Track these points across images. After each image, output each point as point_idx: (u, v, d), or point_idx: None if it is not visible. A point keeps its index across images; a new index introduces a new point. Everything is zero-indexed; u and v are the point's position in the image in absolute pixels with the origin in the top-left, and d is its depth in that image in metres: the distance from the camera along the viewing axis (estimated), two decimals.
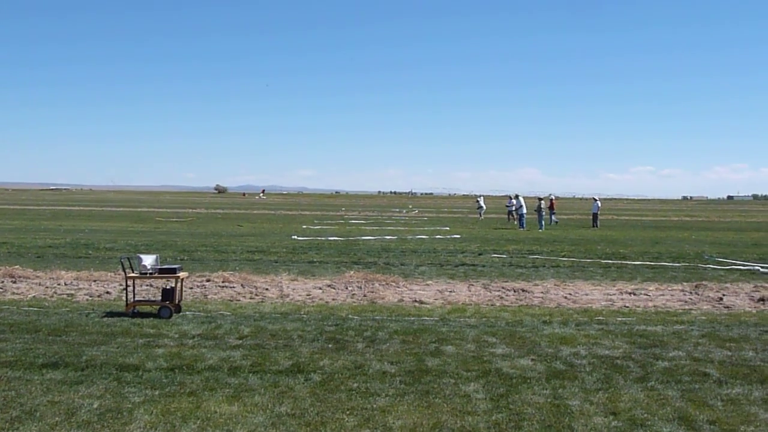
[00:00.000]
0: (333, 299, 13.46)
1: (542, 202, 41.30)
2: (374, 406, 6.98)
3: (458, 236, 32.37)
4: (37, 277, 15.41)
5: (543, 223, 39.75)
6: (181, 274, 12.03)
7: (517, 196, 42.22)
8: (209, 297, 13.51)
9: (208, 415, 6.63)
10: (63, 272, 16.13)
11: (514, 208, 45.92)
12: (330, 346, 9.53)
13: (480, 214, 50.27)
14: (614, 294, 14.37)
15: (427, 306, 12.87)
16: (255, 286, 14.52)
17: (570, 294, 14.28)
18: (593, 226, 42.54)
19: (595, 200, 45.73)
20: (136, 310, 11.66)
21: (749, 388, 7.77)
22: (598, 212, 44.39)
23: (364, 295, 13.76)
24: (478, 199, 54.43)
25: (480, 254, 22.90)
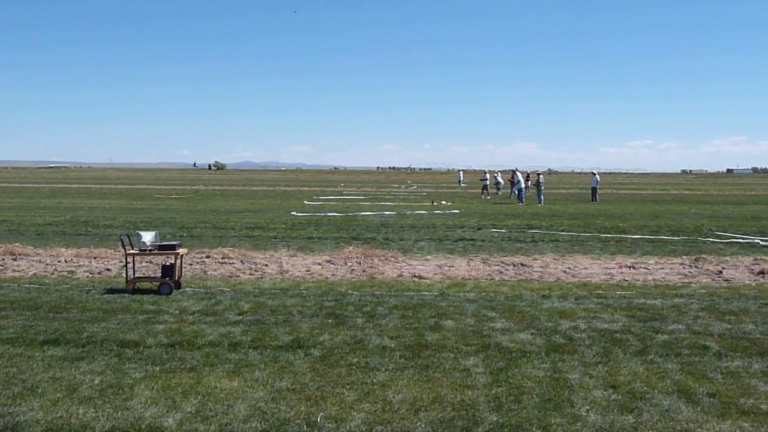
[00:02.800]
0: (332, 275, 13.47)
1: (541, 176, 41.32)
2: (374, 380, 7.00)
3: (457, 211, 32.35)
4: (38, 254, 15.42)
5: (542, 197, 39.76)
6: (181, 251, 12.03)
7: (515, 171, 42.31)
8: (209, 273, 13.52)
9: (209, 391, 6.66)
10: (63, 249, 16.14)
11: (488, 183, 50.07)
12: (329, 321, 9.55)
13: (486, 189, 50.35)
14: (613, 268, 14.38)
15: (427, 281, 12.88)
16: (254, 262, 14.52)
17: (569, 268, 14.29)
18: (592, 200, 42.64)
19: (594, 174, 45.82)
20: (136, 287, 11.68)
21: (749, 360, 7.80)
22: (597, 186, 44.45)
23: (364, 271, 13.77)
24: (489, 175, 54.54)
25: (479, 229, 22.89)
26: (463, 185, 72.86)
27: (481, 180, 50.84)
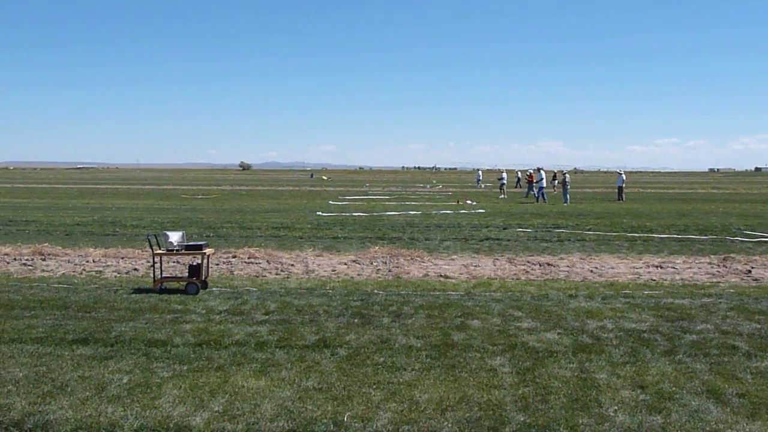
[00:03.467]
0: (358, 274, 13.49)
1: (567, 175, 41.16)
2: (400, 380, 6.99)
3: (482, 211, 32.26)
4: (66, 254, 15.58)
5: (568, 196, 39.56)
6: (207, 251, 12.10)
7: (539, 170, 42.18)
8: (235, 273, 13.59)
9: (236, 390, 6.69)
10: (91, 249, 16.29)
11: (506, 182, 50.33)
12: (356, 320, 9.56)
13: (503, 188, 50.30)
14: (641, 267, 14.27)
15: (452, 280, 12.86)
16: (280, 262, 14.57)
17: (596, 267, 14.21)
18: (618, 200, 42.39)
19: (620, 173, 45.54)
20: (163, 287, 11.76)
21: None
22: (623, 185, 44.18)
23: (389, 270, 13.77)
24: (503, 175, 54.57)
25: (505, 228, 22.82)
26: (483, 185, 72.37)
27: (499, 179, 50.86)
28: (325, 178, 59.49)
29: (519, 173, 58.34)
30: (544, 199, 39.34)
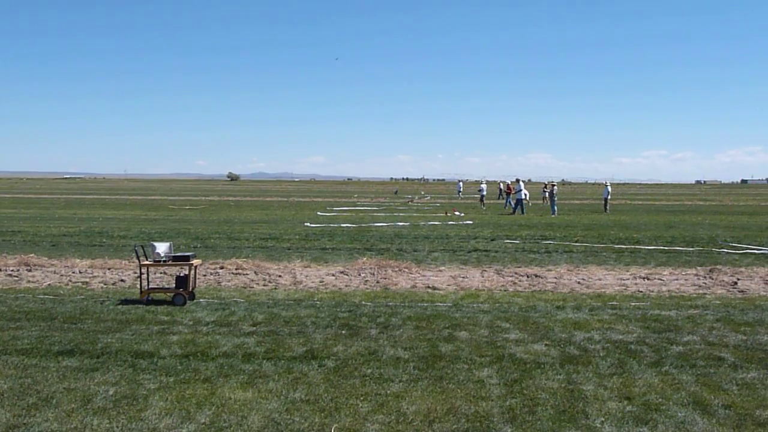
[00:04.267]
0: (346, 285, 13.48)
1: (555, 187, 41.32)
2: (388, 391, 6.99)
3: (470, 222, 32.31)
4: (52, 265, 15.50)
5: (556, 208, 39.67)
6: (195, 262, 12.07)
7: (518, 181, 42.18)
8: (223, 284, 13.55)
9: (223, 402, 6.66)
10: (78, 260, 16.21)
11: (485, 193, 50.97)
12: (343, 332, 9.55)
13: (483, 200, 50.30)
14: (628, 279, 14.32)
15: (440, 292, 12.87)
16: (268, 273, 14.55)
17: (583, 279, 14.25)
18: (605, 211, 42.64)
19: (606, 185, 45.94)
20: (150, 298, 11.72)
21: (764, 372, 7.74)
22: (609, 197, 44.49)
23: (377, 282, 13.77)
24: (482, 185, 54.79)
25: (492, 240, 22.85)
26: (462, 196, 73.52)
27: (479, 191, 51.21)
28: (414, 199, 57.79)
29: (501, 184, 58.47)
30: (522, 210, 39.35)
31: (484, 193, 50.66)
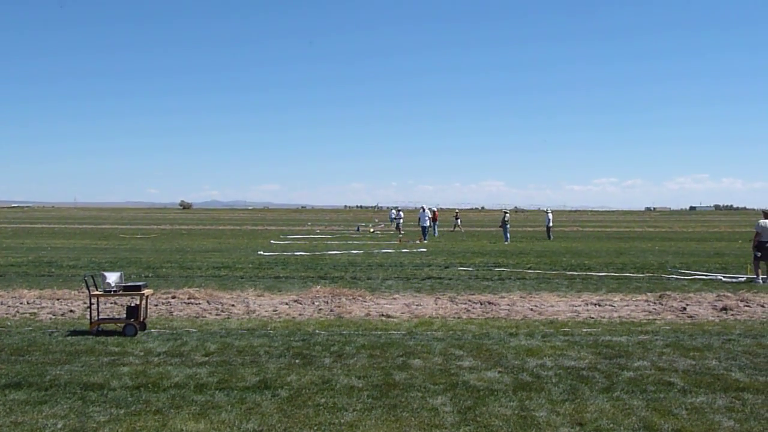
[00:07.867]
0: (300, 314, 13.42)
1: (507, 215, 41.77)
2: (342, 421, 6.96)
3: (424, 250, 32.44)
4: None
5: (508, 235, 40.08)
6: (146, 291, 11.92)
7: (423, 209, 42.74)
8: (174, 314, 13.39)
9: None
10: (25, 291, 15.90)
11: (401, 220, 51.69)
12: (297, 361, 9.49)
13: (399, 228, 50.51)
14: (580, 305, 14.48)
15: (394, 320, 12.87)
16: (221, 303, 14.42)
17: (536, 306, 14.37)
18: (548, 238, 43.13)
19: (547, 213, 46.61)
20: (100, 328, 11.53)
21: (713, 396, 7.87)
22: (551, 225, 45.02)
23: (331, 310, 13.72)
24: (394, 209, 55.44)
25: (446, 267, 22.97)
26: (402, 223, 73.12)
27: (393, 219, 51.78)
28: (371, 228, 56.38)
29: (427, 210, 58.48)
30: (424, 236, 40.16)
31: (401, 221, 51.35)
